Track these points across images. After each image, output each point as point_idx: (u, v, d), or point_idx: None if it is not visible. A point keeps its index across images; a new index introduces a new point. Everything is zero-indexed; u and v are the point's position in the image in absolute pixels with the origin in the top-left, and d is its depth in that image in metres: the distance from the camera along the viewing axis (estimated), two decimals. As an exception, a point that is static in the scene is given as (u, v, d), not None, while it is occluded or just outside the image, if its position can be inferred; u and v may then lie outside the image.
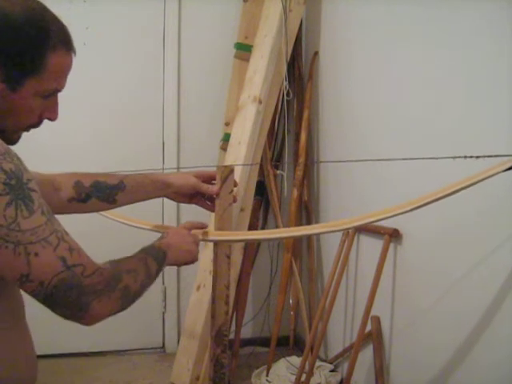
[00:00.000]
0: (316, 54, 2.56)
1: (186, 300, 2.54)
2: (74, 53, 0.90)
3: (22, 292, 0.91)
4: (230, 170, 1.18)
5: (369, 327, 1.91)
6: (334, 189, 2.42)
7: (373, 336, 1.90)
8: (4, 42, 0.80)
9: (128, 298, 0.91)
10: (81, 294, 0.80)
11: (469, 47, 1.49)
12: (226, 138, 2.51)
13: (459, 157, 0.96)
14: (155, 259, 1.00)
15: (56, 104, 0.91)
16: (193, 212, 2.69)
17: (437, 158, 1.05)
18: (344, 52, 2.31)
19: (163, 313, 2.79)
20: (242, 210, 2.33)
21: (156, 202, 2.72)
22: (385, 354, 1.90)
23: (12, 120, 0.86)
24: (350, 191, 2.24)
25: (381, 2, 1.97)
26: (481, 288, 1.44)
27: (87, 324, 0.85)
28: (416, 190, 1.72)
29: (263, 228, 2.78)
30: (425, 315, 1.70)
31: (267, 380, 2.31)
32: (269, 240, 2.46)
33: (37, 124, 0.91)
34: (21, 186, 0.75)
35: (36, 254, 0.76)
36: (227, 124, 2.60)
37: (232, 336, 2.50)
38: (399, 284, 1.85)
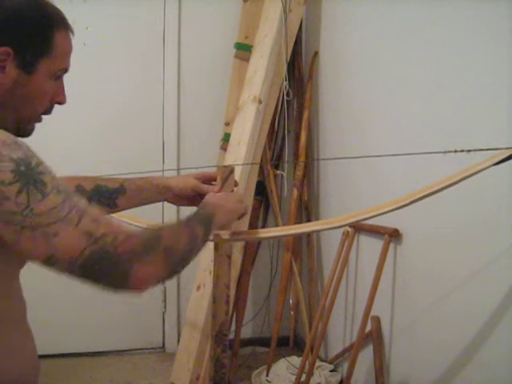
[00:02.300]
0: (316, 53, 2.56)
1: (186, 300, 2.54)
2: (72, 33, 0.93)
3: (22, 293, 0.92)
4: (231, 170, 1.18)
5: (369, 327, 1.91)
6: (334, 189, 2.42)
7: (373, 336, 1.90)
8: (14, 28, 0.84)
9: (173, 260, 0.86)
10: (116, 262, 0.78)
11: (469, 47, 1.49)
12: (226, 138, 2.51)
13: (450, 151, 0.96)
14: (200, 222, 0.98)
15: (63, 87, 0.94)
16: (193, 212, 2.69)
17: (428, 153, 1.05)
18: (344, 52, 2.31)
19: (163, 313, 2.79)
20: (245, 214, 2.33)
21: (155, 205, 2.72)
22: (385, 354, 1.90)
23: (28, 107, 0.88)
24: (350, 191, 2.24)
25: (381, 2, 1.97)
26: (481, 288, 1.44)
27: (137, 290, 0.81)
28: (416, 188, 1.72)
29: (263, 228, 2.77)
30: (425, 315, 1.70)
31: (267, 380, 2.31)
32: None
33: (49, 110, 0.93)
34: (31, 171, 0.75)
35: (55, 235, 0.75)
36: (227, 124, 2.60)
37: (232, 336, 2.51)
38: (399, 284, 1.85)
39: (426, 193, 0.98)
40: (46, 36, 0.87)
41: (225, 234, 1.15)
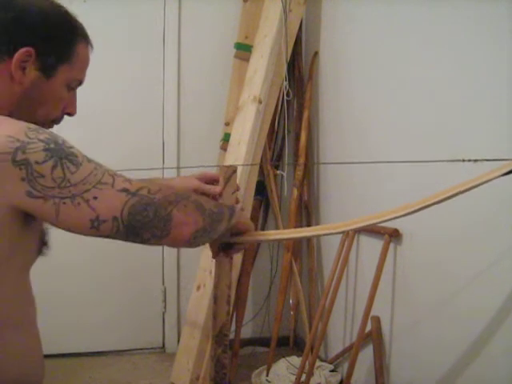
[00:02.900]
0: (316, 53, 2.56)
1: (186, 300, 2.54)
2: (92, 47, 0.97)
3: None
4: (233, 170, 1.18)
5: (369, 327, 1.91)
6: (334, 188, 2.42)
7: (373, 336, 1.90)
8: (39, 31, 0.87)
9: (204, 213, 0.92)
10: (157, 208, 0.84)
11: (469, 47, 1.49)
12: (226, 138, 2.51)
13: (457, 160, 0.96)
14: (224, 205, 1.05)
15: (75, 99, 0.97)
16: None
17: (434, 162, 1.05)
18: (344, 52, 2.31)
19: (163, 313, 2.79)
20: (241, 209, 2.33)
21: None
22: (385, 353, 1.90)
23: (42, 111, 0.91)
24: (350, 191, 2.24)
25: (381, 2, 1.97)
26: (482, 287, 1.44)
27: (181, 236, 0.87)
28: (416, 190, 1.72)
29: (263, 228, 2.78)
30: (425, 315, 1.70)
31: (267, 380, 2.31)
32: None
33: (59, 119, 0.96)
34: (60, 146, 0.79)
35: (95, 198, 0.80)
36: (227, 124, 2.60)
37: (232, 336, 2.51)
38: (399, 284, 1.85)
39: (431, 202, 0.98)
40: (69, 44, 0.91)
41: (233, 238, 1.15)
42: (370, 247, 2.03)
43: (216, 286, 1.20)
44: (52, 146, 0.79)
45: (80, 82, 0.96)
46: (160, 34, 2.70)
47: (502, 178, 1.35)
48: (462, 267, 1.51)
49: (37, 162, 0.77)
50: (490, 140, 1.40)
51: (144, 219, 0.83)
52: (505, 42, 1.35)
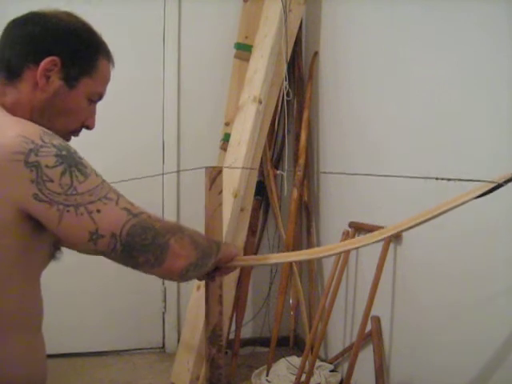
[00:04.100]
0: (316, 54, 2.56)
1: (186, 300, 2.54)
2: (113, 65, 1.01)
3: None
4: (219, 171, 1.20)
5: (369, 327, 1.91)
6: (334, 189, 2.43)
7: (373, 336, 1.90)
8: (66, 44, 0.92)
9: (197, 247, 0.92)
10: (156, 234, 0.85)
11: (469, 47, 1.49)
12: (226, 138, 2.51)
13: (430, 178, 0.97)
14: (213, 241, 1.05)
15: (95, 113, 1.01)
16: (193, 211, 2.70)
17: (409, 177, 1.06)
18: (344, 52, 2.31)
19: (163, 313, 2.79)
20: (242, 209, 2.33)
21: (156, 204, 2.72)
22: (385, 354, 1.90)
23: (62, 120, 0.94)
24: (350, 191, 2.24)
25: (381, 2, 1.97)
26: (481, 288, 1.44)
27: (174, 268, 0.87)
28: (415, 190, 1.73)
29: (263, 228, 2.78)
30: (425, 315, 1.70)
31: (267, 380, 2.31)
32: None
33: (78, 131, 0.99)
34: (71, 155, 0.81)
35: (98, 211, 0.81)
36: (227, 124, 2.60)
37: (232, 336, 2.51)
38: (399, 284, 1.85)
39: (405, 227, 1.01)
40: (92, 58, 0.95)
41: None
42: (370, 247, 2.01)
43: (207, 287, 1.20)
44: (64, 153, 0.80)
45: (100, 96, 1.00)
46: (160, 34, 2.70)
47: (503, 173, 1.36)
48: (463, 267, 1.51)
49: (47, 166, 0.78)
50: (490, 139, 1.40)
51: (142, 242, 0.84)
52: (505, 42, 1.35)
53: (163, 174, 2.62)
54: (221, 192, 1.20)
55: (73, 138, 1.01)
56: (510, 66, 1.34)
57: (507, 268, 1.35)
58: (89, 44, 0.95)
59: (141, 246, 0.84)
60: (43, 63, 0.89)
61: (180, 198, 2.74)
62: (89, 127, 1.01)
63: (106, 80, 0.99)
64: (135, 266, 0.86)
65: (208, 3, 2.73)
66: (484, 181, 0.87)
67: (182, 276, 0.90)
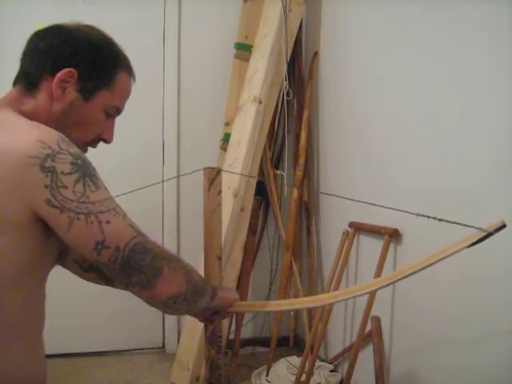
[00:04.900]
0: (316, 54, 2.56)
1: (186, 300, 2.54)
2: (134, 80, 1.02)
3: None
4: (217, 172, 1.20)
5: (369, 327, 1.91)
6: (334, 189, 2.42)
7: (373, 336, 1.90)
8: (84, 56, 0.92)
9: (189, 281, 0.93)
10: (154, 257, 0.87)
11: (469, 47, 1.49)
12: (226, 138, 2.51)
13: (422, 215, 0.99)
14: (208, 285, 1.03)
15: (113, 127, 1.01)
16: (192, 211, 2.69)
17: (403, 211, 1.09)
18: (344, 52, 2.31)
19: (163, 313, 2.79)
20: (242, 209, 2.34)
21: (156, 204, 2.72)
22: (385, 354, 1.90)
23: (77, 132, 0.94)
24: (351, 191, 2.24)
25: (381, 2, 1.97)
26: (481, 288, 1.44)
27: (162, 294, 0.89)
28: (415, 189, 1.73)
29: (263, 228, 2.78)
30: (425, 315, 1.70)
31: (267, 380, 2.31)
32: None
33: (95, 143, 1.00)
34: (86, 165, 0.83)
35: (108, 222, 0.82)
36: (227, 124, 2.60)
37: (232, 336, 2.51)
38: (399, 284, 1.85)
39: (396, 278, 1.04)
40: (110, 71, 0.95)
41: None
42: (370, 247, 2.03)
43: None
44: (79, 162, 0.82)
45: (118, 110, 1.00)
46: (160, 33, 2.70)
47: (502, 177, 1.36)
48: (462, 267, 1.51)
49: (62, 173, 0.79)
50: (490, 139, 1.40)
51: (141, 262, 0.85)
52: (505, 42, 1.35)
53: (163, 182, 2.62)
54: (220, 193, 1.19)
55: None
56: (510, 66, 1.34)
57: (508, 266, 1.35)
58: (107, 57, 0.95)
59: (138, 265, 0.85)
60: (59, 74, 0.90)
61: (180, 198, 2.74)
62: (106, 141, 1.02)
63: (124, 94, 1.00)
64: (128, 284, 0.87)
65: (208, 3, 2.73)
66: (473, 227, 0.88)
67: (168, 305, 0.91)
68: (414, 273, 0.97)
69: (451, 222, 0.89)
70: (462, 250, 0.90)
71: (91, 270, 1.16)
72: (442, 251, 0.92)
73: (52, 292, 0.95)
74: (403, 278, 0.98)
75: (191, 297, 0.94)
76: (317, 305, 1.16)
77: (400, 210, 1.07)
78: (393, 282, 1.02)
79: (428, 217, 0.93)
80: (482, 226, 0.89)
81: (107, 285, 1.19)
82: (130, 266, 0.84)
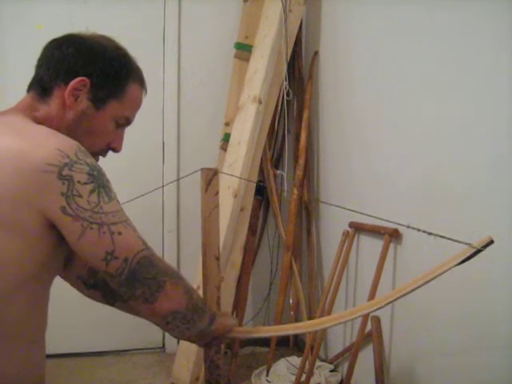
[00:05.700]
0: (316, 53, 2.56)
1: (186, 300, 2.53)
2: (146, 92, 1.03)
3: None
4: (214, 172, 1.20)
5: (369, 327, 1.91)
6: (334, 189, 2.42)
7: (373, 336, 1.90)
8: (97, 66, 0.94)
9: (190, 299, 0.94)
10: (159, 272, 0.88)
11: (469, 47, 1.49)
12: (226, 138, 2.51)
13: (412, 227, 1.01)
14: (208, 312, 1.02)
15: (122, 137, 1.04)
16: (192, 211, 2.69)
17: (396, 223, 1.12)
18: (344, 52, 2.31)
19: (163, 313, 2.79)
20: (241, 209, 2.33)
21: (156, 204, 2.72)
22: (385, 354, 1.90)
23: (88, 140, 0.95)
24: (350, 191, 2.24)
25: (381, 2, 1.97)
26: (481, 288, 1.44)
27: (162, 310, 0.90)
28: (415, 189, 1.73)
29: (263, 228, 2.78)
30: (425, 315, 1.70)
31: (267, 380, 2.31)
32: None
33: (104, 151, 1.02)
34: (101, 176, 0.86)
35: (119, 233, 0.84)
36: (227, 124, 2.60)
37: (232, 336, 2.51)
38: (399, 284, 1.85)
39: (393, 298, 1.06)
40: (122, 82, 0.97)
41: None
42: (370, 247, 2.03)
43: (205, 288, 1.20)
44: (95, 173, 0.84)
45: (128, 121, 1.01)
46: (160, 34, 2.70)
47: (502, 178, 1.36)
48: (462, 267, 1.51)
49: (79, 182, 0.81)
50: (490, 139, 1.40)
51: (146, 274, 0.86)
52: (506, 42, 1.35)
53: (163, 187, 2.61)
54: (217, 193, 1.19)
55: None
56: (510, 66, 1.34)
57: (508, 266, 1.35)
58: (120, 67, 0.97)
59: (143, 278, 0.86)
60: (72, 83, 0.92)
61: (180, 198, 2.74)
62: (115, 150, 1.03)
63: (134, 105, 1.01)
64: (131, 296, 0.88)
65: (208, 3, 2.73)
66: (462, 242, 0.90)
67: (167, 320, 0.92)
68: (407, 294, 1.03)
69: (441, 237, 0.91)
70: (452, 268, 0.92)
71: (95, 287, 1.17)
72: (433, 270, 0.97)
73: (52, 292, 0.95)
74: (398, 298, 1.00)
75: (191, 316, 0.95)
76: (310, 330, 1.17)
77: (392, 222, 1.11)
78: (391, 302, 1.07)
79: (418, 230, 0.95)
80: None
81: (108, 304, 1.20)
82: (135, 278, 0.86)
